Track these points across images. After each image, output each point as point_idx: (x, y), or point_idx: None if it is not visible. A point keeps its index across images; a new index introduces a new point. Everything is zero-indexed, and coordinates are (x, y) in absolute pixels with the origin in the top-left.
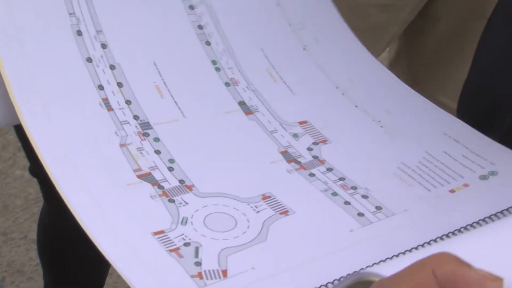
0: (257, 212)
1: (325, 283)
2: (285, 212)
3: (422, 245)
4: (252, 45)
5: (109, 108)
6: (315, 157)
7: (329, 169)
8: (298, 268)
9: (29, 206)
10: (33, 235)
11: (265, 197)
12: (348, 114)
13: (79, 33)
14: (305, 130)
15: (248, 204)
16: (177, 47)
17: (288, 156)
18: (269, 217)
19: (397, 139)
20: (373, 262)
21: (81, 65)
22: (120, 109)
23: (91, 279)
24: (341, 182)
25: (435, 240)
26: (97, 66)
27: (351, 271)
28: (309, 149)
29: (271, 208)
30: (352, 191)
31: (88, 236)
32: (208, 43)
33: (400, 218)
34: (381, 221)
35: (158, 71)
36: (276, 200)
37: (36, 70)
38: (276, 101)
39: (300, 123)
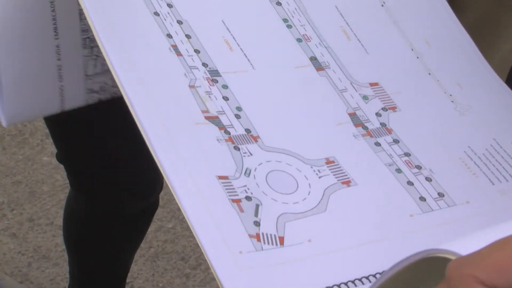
0: (320, 177)
1: (380, 271)
2: (347, 182)
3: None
4: (326, 2)
5: (178, 53)
6: (383, 124)
7: (396, 141)
8: (354, 249)
9: (56, 193)
10: (60, 221)
11: (329, 162)
12: (420, 81)
13: None
14: (376, 93)
15: (311, 167)
16: (246, 7)
17: (355, 119)
18: (331, 185)
19: (466, 118)
20: None
21: (149, 17)
22: (189, 56)
23: (116, 265)
24: (406, 158)
25: None
26: (165, 19)
27: None
28: (378, 114)
29: (334, 175)
30: (416, 170)
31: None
32: (278, 3)
33: (461, 210)
34: (442, 210)
35: (227, 28)
36: (339, 167)
37: (113, 19)
38: (349, 59)
39: (371, 84)
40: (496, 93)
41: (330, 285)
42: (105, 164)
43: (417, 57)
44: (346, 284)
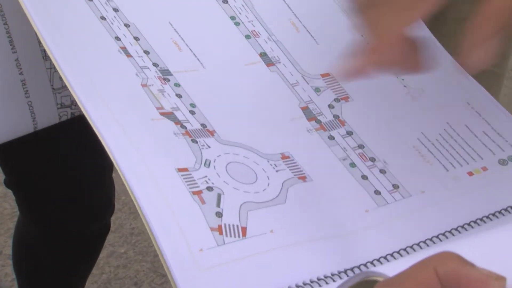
0: (277, 171)
1: (336, 272)
2: (303, 178)
3: (425, 242)
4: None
5: (128, 55)
6: (335, 116)
7: (349, 133)
8: (312, 243)
9: (4, 221)
10: (9, 250)
11: (284, 157)
12: None
13: None
14: (327, 84)
15: (268, 161)
16: (192, 8)
17: (308, 113)
18: (288, 179)
19: (419, 103)
20: (384, 252)
21: (96, 21)
22: (139, 57)
23: None
24: (360, 150)
25: (438, 237)
26: (112, 23)
27: (362, 258)
28: (330, 106)
29: (290, 170)
30: (370, 163)
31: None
32: (225, 1)
33: (416, 200)
34: (397, 202)
35: (174, 29)
36: (294, 162)
37: (60, 25)
38: (299, 52)
39: (323, 75)
40: (449, 74)
41: (292, 285)
42: (56, 187)
43: (368, 43)
44: (309, 284)
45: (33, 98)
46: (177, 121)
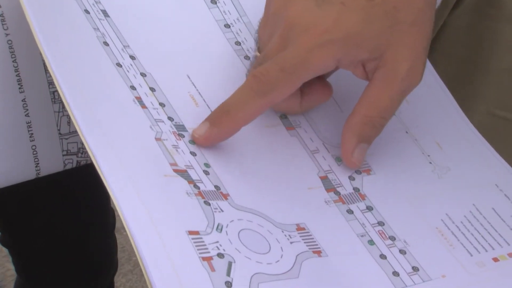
0: (291, 242)
1: None
2: (318, 253)
3: None
4: None
5: (143, 106)
6: (356, 189)
7: (369, 208)
8: None
9: (8, 283)
10: None
11: (299, 228)
12: (397, 140)
13: (106, 43)
14: None
15: (283, 231)
16: (212, 62)
17: (327, 183)
18: (303, 252)
19: (444, 181)
20: None
21: (111, 68)
22: (154, 109)
23: None
24: (380, 228)
25: None
26: (128, 71)
27: None
28: (351, 178)
29: (305, 242)
30: (390, 242)
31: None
32: (247, 57)
33: (436, 285)
34: (416, 286)
35: (192, 83)
36: (310, 235)
37: (75, 68)
38: (321, 117)
39: None
40: (478, 153)
41: None
42: (54, 243)
43: (394, 115)
44: None
45: (38, 142)
46: (190, 180)
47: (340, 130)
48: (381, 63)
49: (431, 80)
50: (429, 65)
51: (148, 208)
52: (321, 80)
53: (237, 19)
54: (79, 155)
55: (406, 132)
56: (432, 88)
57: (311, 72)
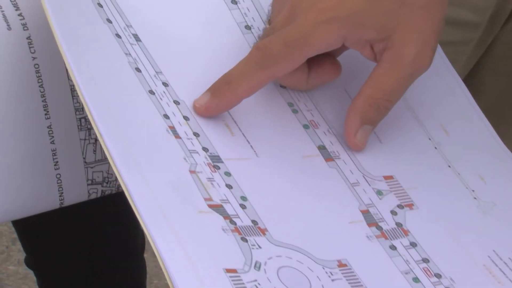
0: (332, 280)
1: None
2: None
3: None
4: (334, 85)
5: (177, 135)
6: (398, 224)
7: (413, 244)
8: None
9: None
10: None
11: (341, 265)
12: (439, 175)
13: (138, 70)
14: (391, 188)
15: (323, 268)
16: None
17: (369, 218)
18: None
19: (490, 217)
20: None
21: (143, 95)
22: (188, 139)
23: None
24: (425, 265)
25: None
26: (161, 99)
27: None
28: (393, 212)
29: (347, 280)
30: (435, 279)
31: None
32: (283, 86)
33: None
34: None
35: (228, 111)
36: (352, 272)
37: (106, 95)
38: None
39: (386, 178)
40: None
41: None
42: (81, 267)
43: (435, 147)
44: None
45: (63, 171)
46: (226, 216)
47: (381, 163)
48: (389, 44)
49: (470, 110)
50: (468, 94)
51: (184, 246)
52: (330, 58)
53: None
54: (104, 184)
55: (449, 166)
56: (470, 118)
57: (315, 48)
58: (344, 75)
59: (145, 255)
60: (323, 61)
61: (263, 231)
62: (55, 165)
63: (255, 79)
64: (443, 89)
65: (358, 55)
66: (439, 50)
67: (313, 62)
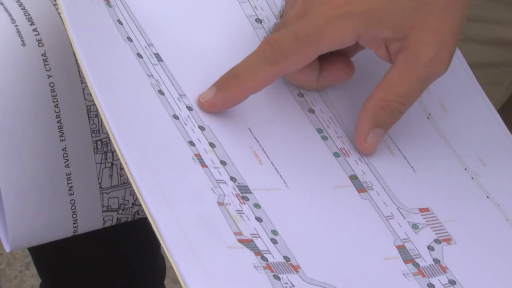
0: None
1: None
2: None
3: None
4: None
5: (203, 164)
6: (436, 260)
7: (452, 282)
8: None
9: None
10: None
11: None
12: (477, 206)
13: (161, 92)
14: (427, 221)
15: None
16: (274, 114)
17: (405, 254)
18: None
19: None
20: None
21: (168, 120)
22: (215, 167)
23: None
24: None
25: None
26: (185, 124)
27: None
28: (430, 248)
29: None
30: None
31: None
32: (311, 110)
33: None
34: None
35: (254, 137)
36: None
37: (130, 123)
38: (394, 179)
39: (422, 210)
40: None
41: None
42: None
43: (472, 178)
44: None
45: (77, 197)
46: (257, 251)
47: (416, 194)
48: (404, 45)
49: (504, 138)
50: (501, 122)
51: (214, 283)
52: (342, 57)
53: None
54: (120, 211)
55: (487, 196)
56: (506, 146)
57: (327, 44)
58: None
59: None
60: (336, 60)
61: (295, 268)
62: (69, 190)
63: (264, 74)
64: (476, 118)
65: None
66: (472, 78)
67: (325, 60)
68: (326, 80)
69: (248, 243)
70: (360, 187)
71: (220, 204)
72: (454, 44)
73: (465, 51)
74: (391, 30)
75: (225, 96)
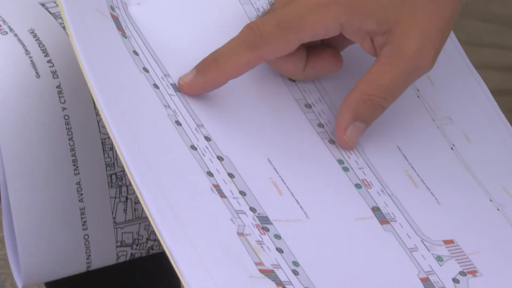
0: None
1: None
2: None
3: None
4: (387, 142)
5: (222, 195)
6: None
7: None
8: None
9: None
10: None
11: None
12: (503, 238)
13: (178, 123)
14: (451, 253)
15: None
16: (294, 145)
17: (429, 286)
18: None
19: None
20: None
21: (185, 151)
22: (234, 198)
23: None
24: None
25: None
26: (203, 155)
27: None
28: (455, 280)
29: None
30: None
31: None
32: (331, 141)
33: None
34: None
35: (274, 168)
36: None
37: (146, 155)
38: (418, 211)
39: (446, 242)
40: None
41: None
42: None
43: (498, 209)
44: None
45: (91, 232)
46: (278, 282)
47: (440, 226)
48: (389, 38)
49: None
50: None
51: None
52: (331, 49)
53: (319, 99)
54: (134, 247)
55: None
56: None
57: (309, 32)
58: (397, 131)
59: None
60: (323, 52)
61: None
62: (83, 225)
63: (243, 59)
64: (501, 148)
65: None
66: (495, 106)
67: (312, 51)
68: (312, 71)
69: (269, 274)
70: (383, 219)
71: (240, 234)
72: (441, 40)
73: (483, 77)
74: (376, 22)
75: (204, 79)
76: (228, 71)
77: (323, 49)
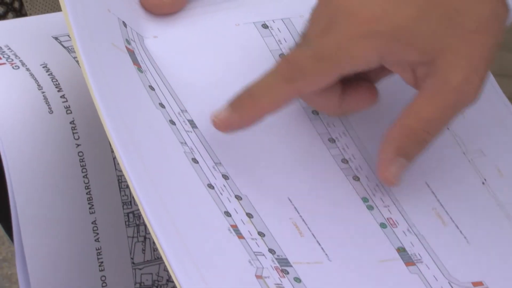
0: None
1: None
2: None
3: None
4: (415, 178)
5: (240, 236)
6: None
7: None
8: None
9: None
10: None
11: None
12: None
13: (195, 161)
14: None
15: None
16: (316, 183)
17: None
18: None
19: None
20: None
21: (202, 190)
22: (252, 239)
23: None
24: None
25: None
26: (221, 194)
27: None
28: None
29: None
30: None
31: None
32: (356, 178)
33: None
34: None
35: (295, 207)
36: None
37: (162, 194)
38: (446, 251)
39: (475, 284)
40: None
41: None
42: None
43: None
44: None
45: (108, 273)
46: None
47: (469, 267)
48: (432, 70)
49: None
50: None
51: None
52: (367, 83)
53: (343, 132)
54: None
55: None
56: None
57: (349, 65)
58: (425, 166)
59: None
60: (359, 85)
61: None
62: (100, 265)
63: (280, 93)
64: None
65: None
66: None
67: (347, 85)
68: (348, 106)
69: None
70: (408, 260)
71: (259, 277)
72: (486, 70)
73: None
74: (418, 53)
75: (240, 116)
76: (264, 107)
77: (358, 82)
